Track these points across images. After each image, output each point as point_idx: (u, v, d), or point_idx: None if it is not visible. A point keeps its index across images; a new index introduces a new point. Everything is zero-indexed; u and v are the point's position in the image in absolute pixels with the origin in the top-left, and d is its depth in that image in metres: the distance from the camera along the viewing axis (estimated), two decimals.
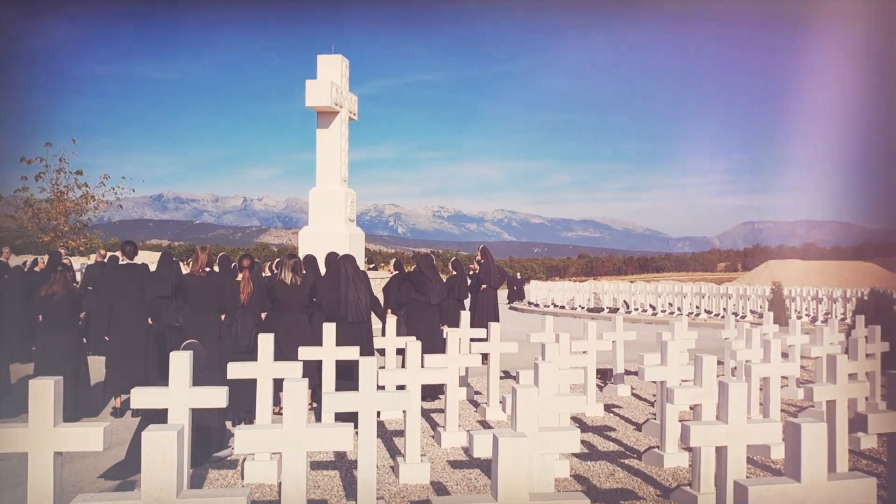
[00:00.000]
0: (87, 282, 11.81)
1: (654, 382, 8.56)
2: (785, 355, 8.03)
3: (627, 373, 9.82)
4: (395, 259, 10.99)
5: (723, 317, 20.98)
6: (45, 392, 3.10)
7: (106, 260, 13.56)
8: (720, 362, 8.66)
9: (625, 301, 25.39)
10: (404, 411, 5.67)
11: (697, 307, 23.03)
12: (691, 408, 7.64)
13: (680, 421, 5.97)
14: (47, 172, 27.43)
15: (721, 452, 4.10)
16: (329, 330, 6.67)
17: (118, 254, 9.57)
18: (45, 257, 12.49)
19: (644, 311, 23.93)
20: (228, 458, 5.97)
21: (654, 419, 7.23)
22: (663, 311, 23.29)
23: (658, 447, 6.08)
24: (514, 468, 2.51)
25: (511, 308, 28.15)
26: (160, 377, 8.10)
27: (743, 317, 21.22)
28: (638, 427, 7.39)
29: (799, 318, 21.11)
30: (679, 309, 22.91)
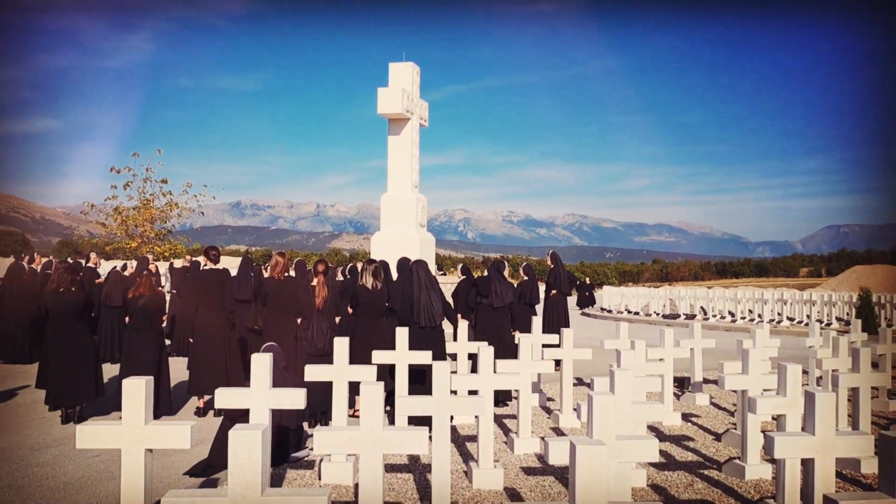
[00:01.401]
0: (172, 285, 12.34)
1: (735, 391, 8.30)
2: (875, 365, 7.63)
3: (706, 381, 9.55)
4: (462, 264, 11.02)
5: (806, 324, 20.14)
6: (137, 391, 3.25)
7: (190, 264, 14.13)
8: (805, 371, 8.32)
9: (702, 307, 24.70)
10: (476, 416, 5.68)
11: (779, 314, 22.20)
12: (774, 418, 7.38)
13: (763, 431, 5.77)
14: (135, 181, 28.71)
15: (808, 465, 3.94)
16: (402, 334, 6.74)
17: (201, 258, 9.95)
18: (133, 262, 13.11)
19: (722, 317, 23.23)
20: (306, 459, 6.11)
21: (735, 429, 7.01)
22: (743, 318, 22.55)
23: (739, 458, 5.89)
24: (592, 476, 2.48)
25: (583, 314, 27.79)
26: (241, 378, 8.36)
27: (828, 324, 20.32)
28: (717, 437, 7.17)
29: (889, 325, 20.04)
30: (760, 316, 22.13)
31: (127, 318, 8.05)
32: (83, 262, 12.41)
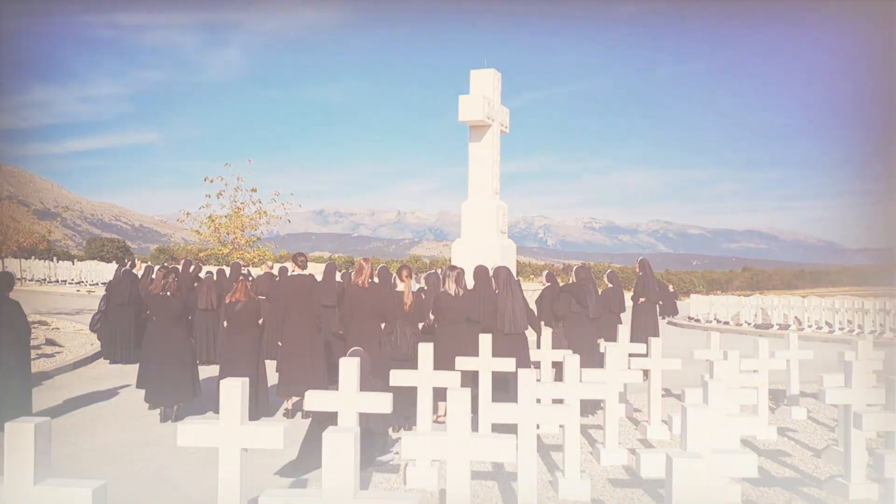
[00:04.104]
0: (258, 291, 12.76)
1: (835, 406, 7.88)
2: None
3: (802, 394, 9.10)
4: (546, 271, 10.88)
5: None
6: (234, 392, 3.36)
7: (273, 270, 14.58)
8: None
9: (796, 317, 23.58)
10: (562, 425, 5.60)
11: (881, 325, 20.92)
12: (879, 434, 6.96)
13: (869, 449, 5.45)
14: (227, 190, 29.78)
15: None
16: (486, 341, 6.73)
17: (289, 264, 10.25)
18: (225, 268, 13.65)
19: (819, 328, 22.11)
20: (391, 463, 6.17)
21: (836, 445, 6.65)
22: (841, 329, 21.40)
23: (842, 476, 5.58)
24: (689, 490, 2.40)
25: (670, 323, 27.02)
26: (327, 382, 8.55)
27: None
28: (816, 453, 6.82)
29: None
30: (860, 327, 20.94)
31: (225, 323, 8.35)
32: (179, 267, 13.00)
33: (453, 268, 8.21)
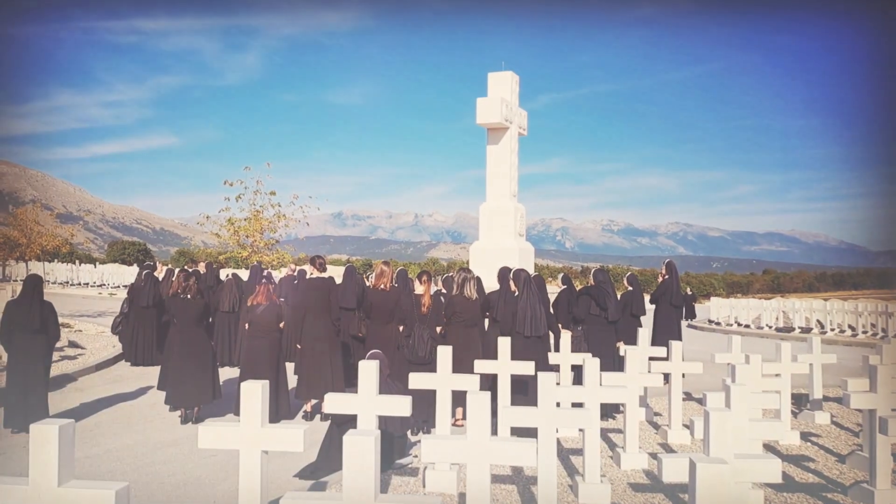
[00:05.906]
0: (280, 294, 12.81)
1: (860, 410, 7.77)
2: None
3: (826, 399, 8.98)
4: (562, 273, 10.82)
5: None
6: (254, 394, 3.38)
7: (296, 273, 14.63)
8: None
9: (818, 321, 23.30)
10: (582, 429, 5.56)
11: None
12: None
13: (894, 454, 5.38)
14: (246, 193, 29.93)
15: None
16: (504, 344, 6.70)
17: (307, 267, 10.29)
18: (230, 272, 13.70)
19: (842, 331, 21.83)
20: (409, 466, 6.17)
21: (861, 451, 6.55)
22: (865, 333, 21.10)
23: (867, 482, 5.49)
24: (713, 495, 2.37)
25: (690, 326, 26.80)
26: (345, 384, 8.57)
27: None
28: (840, 458, 6.72)
29: None
30: (884, 330, 20.64)
31: (246, 326, 8.41)
32: (201, 270, 13.10)
33: (468, 271, 8.21)
